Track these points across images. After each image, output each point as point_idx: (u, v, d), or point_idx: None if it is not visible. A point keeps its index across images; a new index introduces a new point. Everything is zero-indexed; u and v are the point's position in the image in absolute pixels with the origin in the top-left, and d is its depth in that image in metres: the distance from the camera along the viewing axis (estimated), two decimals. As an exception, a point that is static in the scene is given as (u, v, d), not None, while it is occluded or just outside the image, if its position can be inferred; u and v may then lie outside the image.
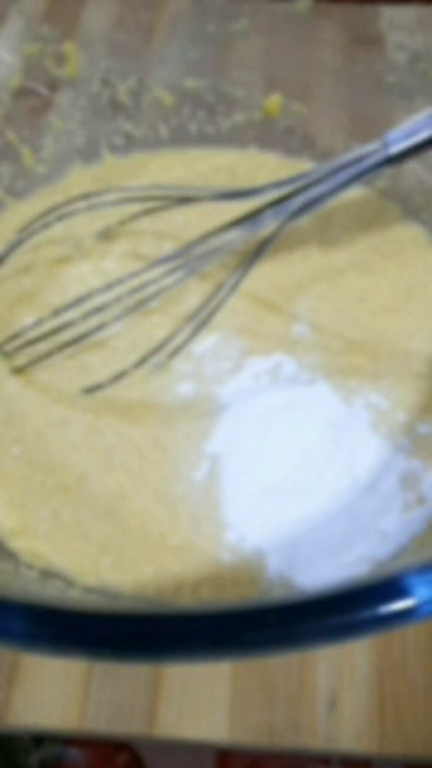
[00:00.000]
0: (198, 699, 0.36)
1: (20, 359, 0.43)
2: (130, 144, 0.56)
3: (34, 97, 0.54)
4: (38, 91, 0.55)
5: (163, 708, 0.36)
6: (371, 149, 0.41)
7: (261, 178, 0.47)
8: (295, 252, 0.49)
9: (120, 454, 0.40)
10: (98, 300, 0.41)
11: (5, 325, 0.45)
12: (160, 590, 0.36)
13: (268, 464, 0.39)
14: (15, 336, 0.43)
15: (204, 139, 0.56)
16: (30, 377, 0.43)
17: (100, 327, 0.41)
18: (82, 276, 0.48)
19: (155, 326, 0.45)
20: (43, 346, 0.42)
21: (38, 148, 0.53)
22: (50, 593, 0.35)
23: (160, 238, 0.49)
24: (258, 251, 0.42)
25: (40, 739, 0.41)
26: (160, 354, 0.42)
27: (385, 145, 0.40)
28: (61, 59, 0.55)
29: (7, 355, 0.43)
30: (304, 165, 0.53)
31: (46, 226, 0.45)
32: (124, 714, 0.36)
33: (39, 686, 0.37)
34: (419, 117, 0.39)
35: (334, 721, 0.36)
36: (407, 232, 0.50)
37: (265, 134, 0.56)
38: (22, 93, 0.54)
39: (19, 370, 0.43)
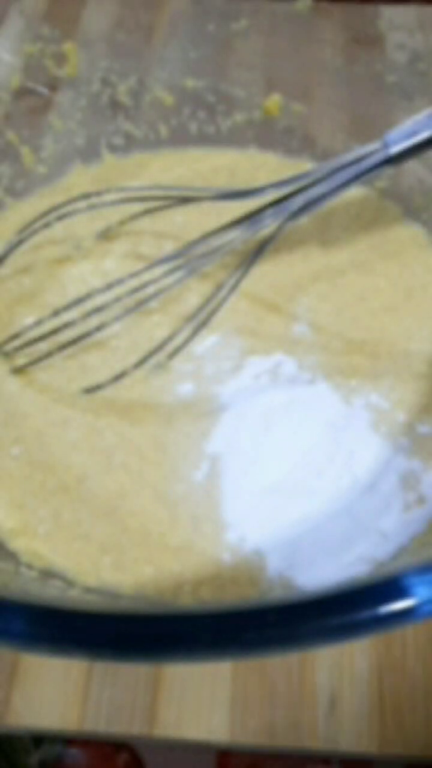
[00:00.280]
0: (198, 699, 0.36)
1: (20, 359, 0.43)
2: (130, 144, 0.56)
3: (34, 97, 0.54)
4: (38, 91, 0.55)
5: (163, 708, 0.36)
6: (371, 149, 0.41)
7: (261, 178, 0.47)
8: (295, 252, 0.49)
9: (120, 454, 0.40)
10: (98, 300, 0.41)
11: (5, 325, 0.45)
12: (160, 590, 0.36)
13: (268, 464, 0.39)
14: (15, 336, 0.43)
15: (204, 139, 0.56)
16: (30, 377, 0.43)
17: (100, 327, 0.41)
18: (82, 276, 0.48)
19: (155, 326, 0.45)
20: (43, 346, 0.42)
21: (38, 148, 0.53)
22: (50, 593, 0.35)
23: (160, 238, 0.49)
24: (258, 251, 0.42)
25: (40, 739, 0.41)
26: (160, 354, 0.42)
27: (385, 145, 0.40)
28: (61, 59, 0.55)
29: (7, 355, 0.43)
30: (304, 165, 0.53)
31: (46, 226, 0.45)
32: (124, 714, 0.36)
33: (39, 686, 0.37)
34: (419, 117, 0.39)
35: (334, 721, 0.36)
36: (407, 232, 0.50)
37: (265, 134, 0.56)
38: (22, 93, 0.54)
39: (19, 370, 0.43)
